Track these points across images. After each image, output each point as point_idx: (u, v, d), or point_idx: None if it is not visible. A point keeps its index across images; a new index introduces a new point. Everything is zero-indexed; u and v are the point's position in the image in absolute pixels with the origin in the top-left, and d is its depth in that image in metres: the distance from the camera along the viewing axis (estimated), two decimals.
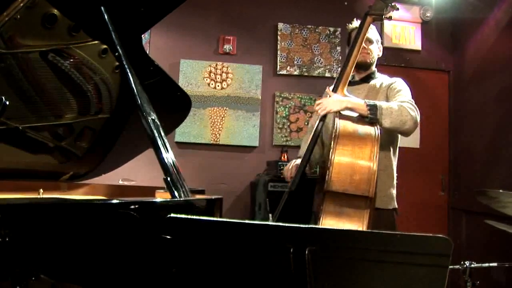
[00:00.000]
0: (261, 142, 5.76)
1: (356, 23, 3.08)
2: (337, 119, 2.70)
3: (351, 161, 2.54)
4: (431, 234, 1.18)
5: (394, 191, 3.07)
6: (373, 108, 2.73)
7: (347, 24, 3.21)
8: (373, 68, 3.18)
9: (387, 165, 3.00)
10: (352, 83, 3.15)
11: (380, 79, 3.15)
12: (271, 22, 5.96)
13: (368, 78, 3.17)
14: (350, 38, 3.15)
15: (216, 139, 5.65)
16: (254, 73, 5.78)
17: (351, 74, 3.13)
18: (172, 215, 1.19)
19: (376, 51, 3.16)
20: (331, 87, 2.95)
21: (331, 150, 2.55)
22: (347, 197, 2.50)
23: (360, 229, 2.44)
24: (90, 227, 1.51)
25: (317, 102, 2.93)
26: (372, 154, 2.54)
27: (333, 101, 2.82)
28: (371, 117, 2.71)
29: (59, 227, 1.47)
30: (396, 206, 3.07)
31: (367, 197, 2.49)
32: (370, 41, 3.11)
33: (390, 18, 2.92)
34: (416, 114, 2.79)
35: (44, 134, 2.47)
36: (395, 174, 3.08)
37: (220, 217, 2.11)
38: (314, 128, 2.88)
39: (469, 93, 5.71)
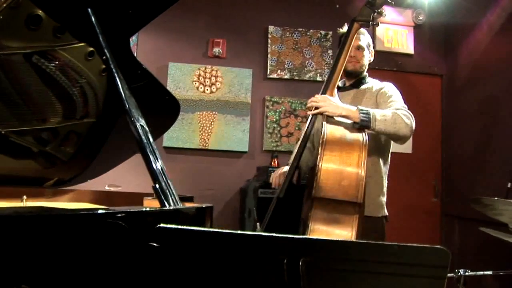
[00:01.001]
0: (251, 147, 5.76)
1: (346, 28, 3.06)
2: (324, 124, 2.68)
3: (339, 167, 2.53)
4: (428, 245, 1.17)
5: (383, 199, 3.06)
6: (366, 116, 2.72)
7: (338, 29, 3.19)
8: (364, 73, 3.17)
9: (375, 172, 3.00)
10: (342, 89, 3.16)
11: (370, 84, 3.15)
12: (262, 25, 5.97)
13: (358, 83, 3.17)
14: (340, 42, 3.14)
15: (205, 144, 5.63)
16: (244, 76, 5.77)
17: (342, 80, 3.15)
18: (162, 225, 1.17)
19: (367, 57, 3.16)
20: (319, 94, 2.92)
21: (319, 156, 2.55)
22: (335, 203, 2.49)
23: (349, 235, 2.44)
24: (75, 237, 1.49)
25: (316, 96, 2.88)
26: (360, 160, 2.54)
27: (330, 103, 2.80)
28: (364, 124, 2.71)
29: (43, 238, 1.44)
30: (386, 214, 3.06)
31: (356, 202, 2.49)
32: (361, 49, 3.10)
33: (377, 24, 2.91)
34: (411, 121, 2.79)
35: (27, 138, 2.43)
36: (384, 182, 3.08)
37: (211, 226, 2.08)
38: (303, 133, 2.86)
39: (462, 98, 5.73)
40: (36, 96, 2.25)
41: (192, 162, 5.66)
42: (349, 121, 2.74)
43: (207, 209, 2.07)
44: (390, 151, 3.12)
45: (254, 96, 5.81)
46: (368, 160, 2.73)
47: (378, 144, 2.99)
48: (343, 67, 2.92)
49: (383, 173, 3.07)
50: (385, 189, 3.07)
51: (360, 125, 2.71)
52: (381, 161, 3.05)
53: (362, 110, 2.74)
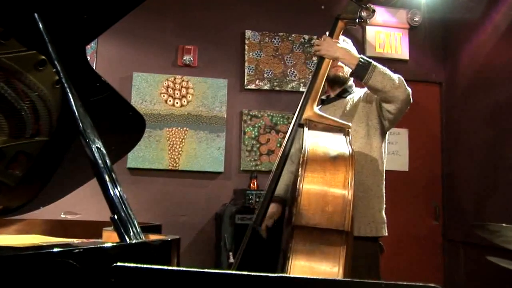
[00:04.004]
0: (227, 167, 5.75)
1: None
2: (305, 140, 2.61)
3: (322, 190, 2.46)
4: (420, 284, 1.15)
5: (384, 215, 3.03)
6: (366, 63, 2.81)
7: (325, 34, 3.16)
8: (349, 82, 3.18)
9: (372, 184, 2.99)
10: (327, 101, 3.16)
11: (358, 93, 3.16)
12: (238, 29, 5.98)
13: (344, 92, 3.18)
14: None
15: (175, 165, 5.60)
16: (218, 88, 5.76)
17: (326, 95, 3.15)
18: (119, 263, 1.14)
19: None
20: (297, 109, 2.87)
21: (299, 177, 2.47)
22: (319, 232, 2.42)
23: (336, 269, 2.37)
24: (19, 280, 1.45)
25: (316, 42, 2.95)
26: (347, 181, 2.45)
27: (327, 46, 2.85)
28: (359, 72, 2.81)
29: None
30: (386, 234, 3.02)
31: (343, 231, 2.41)
32: None
33: (365, 21, 2.88)
34: (409, 90, 2.90)
35: None
36: (384, 195, 3.05)
37: (178, 260, 2.05)
38: (282, 150, 2.81)
39: (464, 108, 5.75)
40: None
41: (161, 185, 5.62)
42: (334, 134, 2.70)
43: (173, 241, 2.04)
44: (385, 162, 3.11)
45: (229, 109, 5.80)
46: (363, 172, 2.75)
47: (372, 154, 2.99)
48: (326, 74, 2.89)
49: (382, 185, 3.07)
50: (384, 204, 3.05)
51: (354, 72, 2.83)
52: (378, 172, 3.03)
53: (362, 59, 2.83)
